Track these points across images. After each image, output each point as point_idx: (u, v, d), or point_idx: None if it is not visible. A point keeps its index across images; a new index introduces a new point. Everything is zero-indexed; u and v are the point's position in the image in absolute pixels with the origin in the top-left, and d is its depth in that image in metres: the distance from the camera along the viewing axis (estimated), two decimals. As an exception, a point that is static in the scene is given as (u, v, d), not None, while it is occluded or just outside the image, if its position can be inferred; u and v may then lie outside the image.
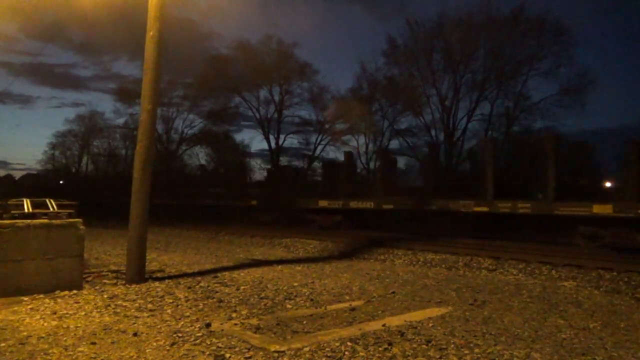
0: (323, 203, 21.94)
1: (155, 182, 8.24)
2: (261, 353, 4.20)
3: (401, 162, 32.72)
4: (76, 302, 6.10)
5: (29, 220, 6.92)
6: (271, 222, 24.41)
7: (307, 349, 4.32)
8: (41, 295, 6.42)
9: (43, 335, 4.65)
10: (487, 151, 18.80)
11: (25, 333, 4.71)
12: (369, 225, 20.87)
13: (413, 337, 4.76)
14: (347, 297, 6.80)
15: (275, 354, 4.17)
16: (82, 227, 7.12)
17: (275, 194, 26.15)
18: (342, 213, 21.34)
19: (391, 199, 19.98)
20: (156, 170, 10.52)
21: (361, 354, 4.22)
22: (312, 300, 6.57)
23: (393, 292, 7.21)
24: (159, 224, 21.60)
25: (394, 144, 35.45)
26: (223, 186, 31.00)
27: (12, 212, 17.45)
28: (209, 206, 28.61)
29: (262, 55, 39.54)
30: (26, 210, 18.28)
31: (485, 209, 17.09)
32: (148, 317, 5.43)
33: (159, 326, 5.04)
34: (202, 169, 39.11)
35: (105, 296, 6.51)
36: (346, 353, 4.23)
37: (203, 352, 4.21)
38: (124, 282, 7.58)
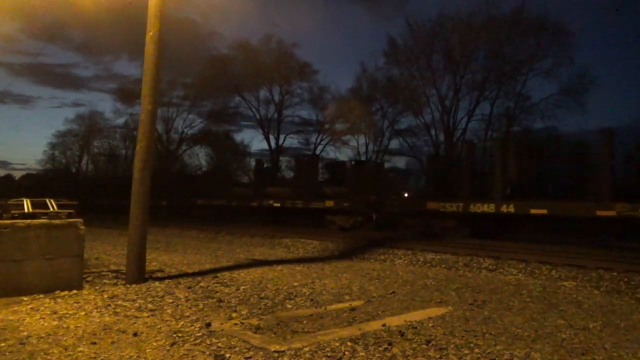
0: None
1: (155, 182, 8.24)
2: (261, 353, 4.19)
3: (401, 162, 32.71)
4: (76, 302, 6.09)
5: (29, 220, 6.91)
6: None
7: (307, 349, 4.32)
8: (41, 295, 6.42)
9: (43, 335, 4.65)
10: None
11: (25, 333, 4.71)
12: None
13: (413, 337, 4.76)
14: (347, 297, 6.80)
15: (275, 354, 4.17)
16: (82, 227, 7.11)
17: None
18: None
19: None
20: (156, 170, 10.49)
21: (361, 354, 4.22)
22: (312, 300, 6.57)
23: (393, 292, 7.21)
24: (159, 224, 21.61)
25: (394, 144, 35.57)
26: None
27: (12, 212, 17.47)
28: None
29: (262, 55, 39.71)
30: (26, 210, 18.30)
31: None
32: (148, 317, 5.43)
33: (159, 326, 5.04)
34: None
35: (105, 296, 6.51)
36: (346, 353, 4.23)
37: (203, 352, 4.21)
38: (124, 282, 7.58)
